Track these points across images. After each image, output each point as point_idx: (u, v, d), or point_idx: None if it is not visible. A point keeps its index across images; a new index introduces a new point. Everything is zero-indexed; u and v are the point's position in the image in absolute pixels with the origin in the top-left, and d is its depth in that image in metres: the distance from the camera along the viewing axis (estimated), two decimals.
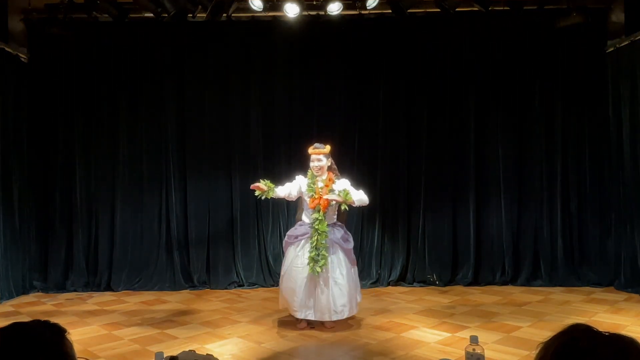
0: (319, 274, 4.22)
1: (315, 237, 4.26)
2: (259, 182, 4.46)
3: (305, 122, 6.55)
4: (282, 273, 4.52)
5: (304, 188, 4.46)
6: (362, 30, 6.49)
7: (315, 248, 4.23)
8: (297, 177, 4.60)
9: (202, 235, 6.42)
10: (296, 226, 4.57)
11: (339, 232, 4.44)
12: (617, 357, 1.00)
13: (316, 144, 4.55)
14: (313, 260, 4.21)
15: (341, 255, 4.38)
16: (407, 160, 6.51)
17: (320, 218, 4.30)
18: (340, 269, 4.33)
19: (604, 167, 6.29)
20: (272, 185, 4.47)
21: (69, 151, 6.42)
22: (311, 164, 4.49)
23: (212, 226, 6.44)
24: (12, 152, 5.95)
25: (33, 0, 6.16)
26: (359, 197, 4.40)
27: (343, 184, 4.47)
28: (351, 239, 4.56)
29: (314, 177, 4.46)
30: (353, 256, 4.52)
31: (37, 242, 6.30)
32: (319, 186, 4.41)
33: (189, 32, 6.44)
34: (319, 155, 4.48)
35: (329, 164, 4.55)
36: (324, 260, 4.21)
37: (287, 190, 4.52)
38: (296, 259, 4.36)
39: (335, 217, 4.51)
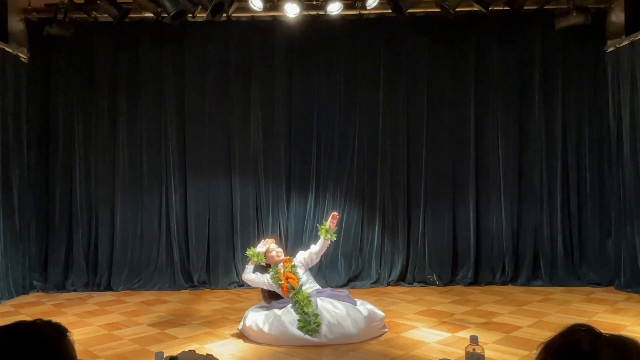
0: (317, 331, 3.96)
1: (298, 305, 4.06)
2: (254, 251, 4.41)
3: (305, 122, 6.56)
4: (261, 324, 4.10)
5: (271, 281, 4.32)
6: (362, 30, 6.49)
7: (304, 313, 3.99)
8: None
9: (202, 235, 6.42)
10: (279, 300, 4.38)
11: (327, 291, 4.39)
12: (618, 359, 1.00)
13: (261, 241, 4.56)
14: (304, 325, 3.95)
15: (333, 300, 4.19)
16: (407, 160, 6.51)
17: (295, 291, 4.19)
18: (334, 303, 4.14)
19: (604, 167, 6.29)
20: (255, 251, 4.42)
21: (69, 151, 6.43)
22: (272, 255, 4.39)
23: (212, 226, 6.45)
24: (12, 152, 5.95)
25: (33, 0, 6.16)
26: (319, 247, 4.44)
27: (298, 256, 4.49)
28: (344, 291, 4.46)
29: (275, 267, 4.36)
30: (348, 297, 4.32)
31: (37, 242, 6.30)
32: (282, 271, 4.31)
33: (189, 32, 6.44)
34: (274, 245, 4.47)
35: None
36: (315, 318, 3.95)
37: (257, 277, 4.40)
38: (287, 314, 4.08)
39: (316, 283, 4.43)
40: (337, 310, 4.05)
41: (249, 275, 4.41)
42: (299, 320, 3.99)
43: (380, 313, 4.28)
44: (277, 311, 4.14)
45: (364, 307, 4.22)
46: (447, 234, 6.42)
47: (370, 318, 4.12)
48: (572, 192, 6.36)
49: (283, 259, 4.42)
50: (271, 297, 4.45)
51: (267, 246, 4.45)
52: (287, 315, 4.05)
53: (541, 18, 6.24)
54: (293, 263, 4.39)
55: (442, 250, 6.39)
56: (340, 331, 3.97)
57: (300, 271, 4.35)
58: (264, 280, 4.38)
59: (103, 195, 6.42)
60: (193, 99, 6.51)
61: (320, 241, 4.43)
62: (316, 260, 4.55)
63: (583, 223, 6.34)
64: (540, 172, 6.39)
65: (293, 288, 4.21)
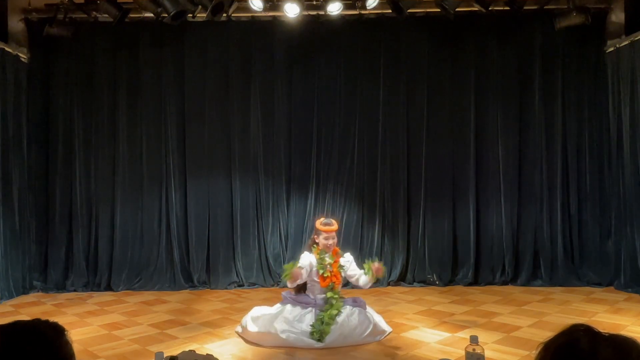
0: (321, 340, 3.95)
1: (329, 312, 3.99)
2: (292, 268, 4.01)
3: (305, 122, 6.56)
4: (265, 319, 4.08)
5: (315, 265, 4.15)
6: (362, 30, 6.49)
7: (321, 322, 3.96)
8: (302, 255, 4.28)
9: (202, 235, 6.42)
10: (298, 295, 4.26)
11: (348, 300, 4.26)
12: (617, 359, 1.00)
13: (325, 220, 4.29)
14: (315, 331, 3.94)
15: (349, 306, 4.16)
16: (407, 160, 6.51)
17: (336, 296, 4.09)
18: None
19: (604, 167, 6.29)
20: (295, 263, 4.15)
21: (69, 151, 6.43)
22: (323, 242, 4.19)
23: (212, 226, 6.44)
24: (12, 152, 5.94)
25: (33, 0, 6.16)
26: (361, 282, 4.24)
27: (348, 258, 4.29)
28: (360, 300, 4.35)
29: (322, 252, 4.19)
30: (361, 302, 4.29)
31: (37, 242, 6.29)
32: (328, 262, 4.15)
33: (189, 32, 6.44)
34: (333, 233, 4.21)
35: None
36: (327, 327, 3.94)
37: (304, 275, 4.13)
38: (296, 321, 4.03)
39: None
40: (351, 319, 4.02)
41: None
42: (312, 324, 3.95)
43: (388, 328, 4.25)
44: (272, 314, 4.11)
45: (374, 317, 4.19)
46: (447, 234, 6.42)
47: (377, 331, 4.11)
48: (572, 192, 6.36)
49: (333, 250, 4.22)
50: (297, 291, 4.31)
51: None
52: (280, 319, 4.02)
53: (541, 18, 6.24)
54: (342, 264, 4.21)
55: (442, 250, 6.39)
56: (345, 341, 3.96)
57: (343, 274, 4.23)
58: (304, 269, 4.13)
59: (103, 195, 6.42)
60: (193, 99, 6.51)
61: (364, 278, 4.16)
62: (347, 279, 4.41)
63: (583, 223, 6.34)
64: (540, 172, 6.39)
65: (332, 289, 4.11)
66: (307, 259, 4.19)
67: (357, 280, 4.25)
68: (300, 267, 4.06)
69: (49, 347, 1.20)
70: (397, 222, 6.45)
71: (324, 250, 4.20)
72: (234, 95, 6.53)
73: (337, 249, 4.28)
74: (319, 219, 4.37)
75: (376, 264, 4.07)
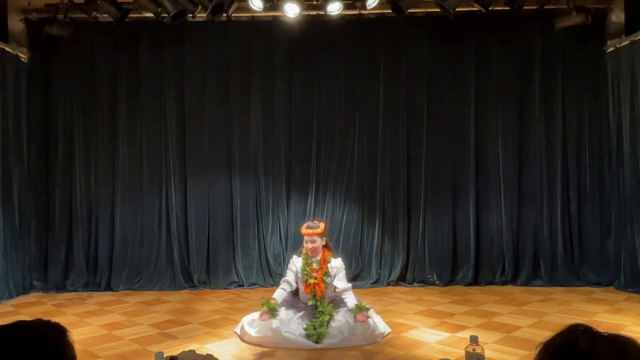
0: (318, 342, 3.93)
1: (320, 319, 3.95)
2: (264, 307, 3.97)
3: (305, 122, 6.56)
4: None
5: (300, 273, 4.12)
6: (362, 30, 6.49)
7: (314, 328, 3.92)
8: (292, 259, 4.27)
9: (202, 235, 6.42)
10: (292, 298, 4.26)
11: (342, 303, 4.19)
12: (616, 357, 1.00)
13: (310, 224, 4.20)
14: (310, 334, 3.92)
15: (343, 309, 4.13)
16: (407, 160, 6.51)
17: (317, 304, 4.05)
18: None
19: (604, 167, 6.29)
20: (274, 304, 4.01)
21: (69, 151, 6.43)
22: (305, 245, 4.13)
23: (212, 226, 6.44)
24: (12, 152, 5.95)
25: (33, 0, 6.16)
26: (349, 293, 4.16)
27: (337, 264, 4.18)
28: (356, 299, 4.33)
29: (308, 258, 4.13)
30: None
31: (37, 242, 6.30)
32: (314, 267, 4.09)
33: (189, 32, 6.44)
34: (313, 237, 4.11)
35: (324, 242, 4.20)
36: (322, 329, 3.92)
37: (288, 286, 4.17)
38: (292, 323, 4.02)
39: (334, 293, 4.26)
40: (350, 320, 3.99)
41: (284, 296, 4.16)
42: (306, 329, 3.94)
43: (388, 328, 4.22)
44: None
45: (373, 318, 4.16)
46: (447, 234, 6.42)
47: (377, 332, 4.09)
48: (572, 192, 6.36)
49: (322, 255, 4.14)
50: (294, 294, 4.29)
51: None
52: (276, 321, 3.99)
53: (541, 18, 6.24)
54: (328, 271, 4.13)
55: (442, 250, 6.39)
56: (345, 343, 3.95)
57: (329, 281, 4.15)
58: (290, 276, 4.15)
59: (103, 195, 6.42)
60: (193, 99, 6.51)
61: (350, 303, 4.09)
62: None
63: (583, 223, 6.34)
64: (540, 172, 6.39)
65: (314, 296, 4.08)
66: (292, 265, 4.19)
67: (343, 297, 4.15)
68: (272, 309, 3.97)
69: (51, 347, 1.20)
70: (397, 222, 6.45)
71: (310, 256, 4.15)
72: (234, 95, 6.53)
73: (327, 253, 4.20)
74: (308, 222, 4.32)
75: (359, 316, 3.96)
